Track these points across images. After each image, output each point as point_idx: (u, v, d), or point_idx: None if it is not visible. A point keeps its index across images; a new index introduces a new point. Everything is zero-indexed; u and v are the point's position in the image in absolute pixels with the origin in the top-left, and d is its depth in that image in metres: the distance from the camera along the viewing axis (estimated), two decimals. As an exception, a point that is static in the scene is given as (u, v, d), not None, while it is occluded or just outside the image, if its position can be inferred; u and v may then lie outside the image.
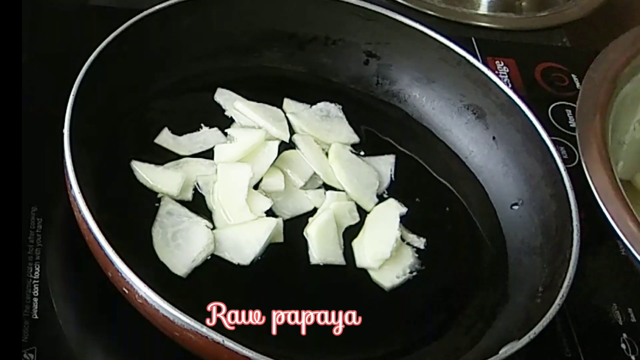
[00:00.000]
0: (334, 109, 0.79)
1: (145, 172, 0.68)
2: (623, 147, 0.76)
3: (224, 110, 0.76)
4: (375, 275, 0.67)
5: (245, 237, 0.65)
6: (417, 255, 0.70)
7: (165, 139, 0.72)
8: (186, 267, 0.63)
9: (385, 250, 0.67)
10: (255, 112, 0.75)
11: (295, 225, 0.68)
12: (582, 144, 0.66)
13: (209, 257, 0.65)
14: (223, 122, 0.75)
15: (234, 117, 0.75)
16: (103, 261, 0.58)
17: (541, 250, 0.70)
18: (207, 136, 0.73)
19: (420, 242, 0.71)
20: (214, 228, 0.66)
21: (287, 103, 0.78)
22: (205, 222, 0.66)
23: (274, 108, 0.77)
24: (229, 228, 0.66)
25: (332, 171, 0.73)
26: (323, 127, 0.77)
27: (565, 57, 0.96)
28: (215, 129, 0.73)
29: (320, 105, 0.79)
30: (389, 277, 0.68)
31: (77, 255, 0.63)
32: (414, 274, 0.69)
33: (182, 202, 0.67)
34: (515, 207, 0.74)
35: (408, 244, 0.70)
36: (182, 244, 0.64)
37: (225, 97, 0.77)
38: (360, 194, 0.72)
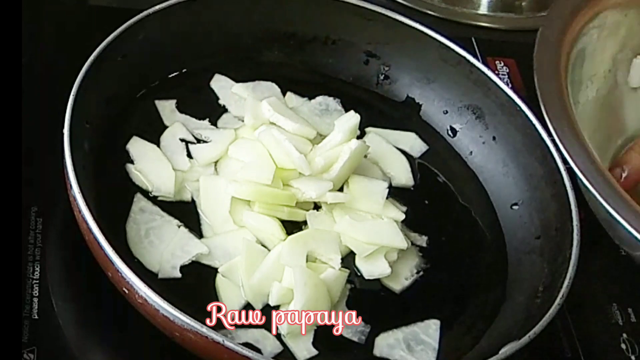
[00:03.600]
0: (333, 103, 0.79)
1: (140, 174, 0.68)
2: (578, 106, 0.73)
3: (217, 99, 0.76)
4: (385, 280, 0.67)
5: (233, 244, 0.65)
6: (421, 254, 0.70)
7: (165, 105, 0.73)
8: (160, 264, 0.63)
9: (385, 267, 0.67)
10: (253, 91, 0.76)
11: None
12: (547, 108, 0.63)
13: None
14: (216, 110, 0.75)
15: (227, 106, 0.75)
16: (103, 261, 0.58)
17: (541, 250, 0.70)
18: (200, 127, 0.73)
19: (422, 240, 0.71)
20: (201, 237, 0.66)
21: (289, 97, 0.78)
22: (177, 221, 0.66)
23: (269, 84, 0.77)
24: (217, 237, 0.66)
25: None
26: (323, 121, 0.77)
27: (565, 57, 0.95)
28: (220, 130, 0.73)
29: (319, 99, 0.79)
30: (399, 280, 0.68)
31: (77, 255, 0.63)
32: (421, 273, 0.69)
33: (156, 201, 0.67)
34: (515, 207, 0.74)
35: (412, 243, 0.70)
36: (155, 241, 0.64)
37: (221, 84, 0.77)
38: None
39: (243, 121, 0.74)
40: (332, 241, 0.66)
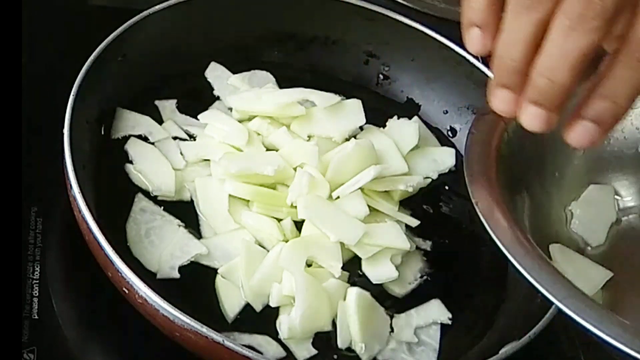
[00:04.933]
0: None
1: (140, 174, 0.68)
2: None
3: (212, 90, 0.76)
4: (389, 284, 0.67)
5: (232, 245, 0.65)
6: (425, 258, 0.70)
7: (165, 105, 0.73)
8: (159, 265, 0.63)
9: (392, 270, 0.66)
10: (249, 81, 0.76)
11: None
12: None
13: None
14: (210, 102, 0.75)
15: (221, 97, 0.75)
16: (103, 261, 0.58)
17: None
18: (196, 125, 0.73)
19: (426, 245, 0.71)
20: (200, 237, 0.66)
21: None
22: (178, 221, 0.66)
23: (265, 73, 0.78)
24: (216, 237, 0.66)
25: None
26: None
27: (565, 57, 0.95)
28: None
29: None
30: (401, 284, 0.67)
31: (77, 255, 0.63)
32: (425, 278, 0.68)
33: (157, 201, 0.67)
34: (515, 207, 0.74)
35: (416, 247, 0.70)
36: (155, 241, 0.64)
37: (217, 74, 0.77)
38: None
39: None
40: (334, 247, 0.65)
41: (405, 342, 0.64)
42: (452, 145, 0.79)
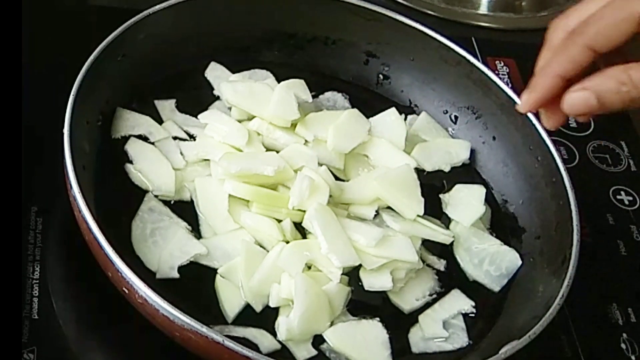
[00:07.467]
0: (341, 99, 0.79)
1: (140, 173, 0.68)
2: None
3: (212, 89, 0.76)
4: (394, 298, 0.66)
5: (231, 245, 0.65)
6: (437, 277, 0.69)
7: (164, 105, 0.73)
8: (158, 265, 0.63)
9: (387, 280, 0.65)
10: (249, 80, 0.76)
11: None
12: None
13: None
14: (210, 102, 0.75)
15: (221, 97, 0.75)
16: (103, 261, 0.58)
17: (541, 250, 0.70)
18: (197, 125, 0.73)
19: (440, 264, 0.70)
20: (200, 237, 0.66)
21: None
22: (185, 224, 0.66)
23: (264, 72, 0.77)
24: (215, 237, 0.66)
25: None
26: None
27: (565, 57, 0.95)
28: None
29: (328, 94, 0.79)
30: (408, 300, 0.66)
31: (77, 255, 0.63)
32: (434, 296, 0.68)
33: (166, 203, 0.67)
34: (515, 207, 0.74)
35: (428, 265, 0.69)
36: (159, 241, 0.64)
37: (217, 74, 0.77)
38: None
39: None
40: None
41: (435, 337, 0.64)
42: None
